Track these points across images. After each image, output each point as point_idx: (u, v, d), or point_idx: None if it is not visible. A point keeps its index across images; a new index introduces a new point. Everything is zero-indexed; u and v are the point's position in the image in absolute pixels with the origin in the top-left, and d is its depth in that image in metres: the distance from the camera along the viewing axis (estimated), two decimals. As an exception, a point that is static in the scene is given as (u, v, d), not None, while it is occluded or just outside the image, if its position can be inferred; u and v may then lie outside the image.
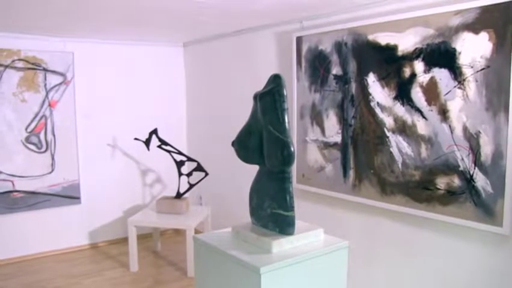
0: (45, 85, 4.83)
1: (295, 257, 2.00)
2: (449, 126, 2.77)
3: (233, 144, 2.20)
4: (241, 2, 3.27)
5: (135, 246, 4.44)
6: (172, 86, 5.67)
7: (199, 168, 4.63)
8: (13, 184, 4.73)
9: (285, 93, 2.04)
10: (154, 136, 4.71)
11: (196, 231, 4.33)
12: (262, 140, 2.09)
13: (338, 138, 3.55)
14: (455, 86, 2.72)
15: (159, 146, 4.73)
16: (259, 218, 2.20)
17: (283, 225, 2.09)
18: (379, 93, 3.19)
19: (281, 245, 2.06)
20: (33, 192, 4.84)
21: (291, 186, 2.08)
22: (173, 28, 4.48)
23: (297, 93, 3.88)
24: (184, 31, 4.74)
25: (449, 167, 2.78)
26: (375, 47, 3.18)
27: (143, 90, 5.46)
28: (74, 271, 4.56)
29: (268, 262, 1.93)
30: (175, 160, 4.76)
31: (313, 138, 3.77)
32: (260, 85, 2.58)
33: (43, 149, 4.87)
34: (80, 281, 4.30)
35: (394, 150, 3.11)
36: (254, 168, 2.31)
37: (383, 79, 3.15)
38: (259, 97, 2.08)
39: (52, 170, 4.92)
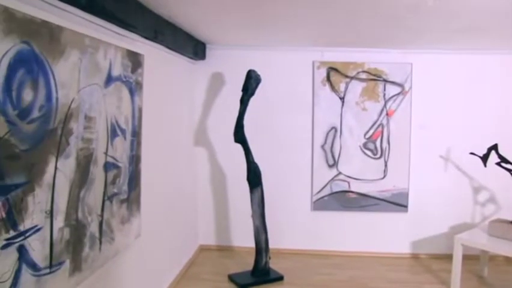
0: (384, 95, 5.13)
1: None
2: None
3: None
4: None
5: (459, 265, 4.22)
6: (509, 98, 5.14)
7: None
8: (349, 185, 5.21)
9: None
10: (493, 152, 4.37)
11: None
12: None
13: None
14: None
15: (498, 164, 4.35)
16: None
17: None
18: None
19: None
20: (364, 195, 5.22)
21: None
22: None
23: None
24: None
25: None
26: None
27: (481, 102, 5.13)
28: (393, 276, 4.68)
29: None
30: (515, 180, 4.30)
31: None
32: None
33: (378, 156, 5.18)
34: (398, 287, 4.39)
35: None
36: None
37: None
38: None
39: (384, 176, 5.18)
